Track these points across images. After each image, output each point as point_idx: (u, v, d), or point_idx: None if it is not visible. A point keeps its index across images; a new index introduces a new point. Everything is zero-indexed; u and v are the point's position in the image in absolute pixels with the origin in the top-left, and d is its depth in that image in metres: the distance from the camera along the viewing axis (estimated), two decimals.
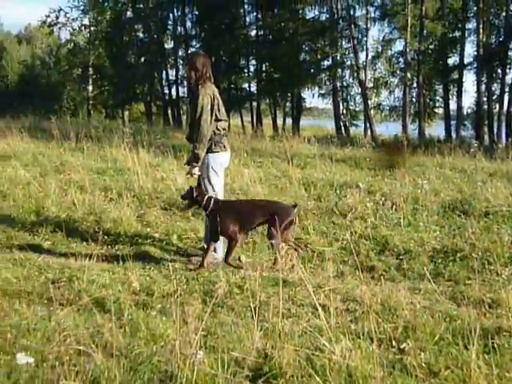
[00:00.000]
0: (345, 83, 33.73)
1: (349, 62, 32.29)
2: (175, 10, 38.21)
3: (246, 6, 35.26)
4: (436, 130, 29.65)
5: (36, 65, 54.75)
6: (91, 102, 43.83)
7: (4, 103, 41.36)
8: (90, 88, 43.18)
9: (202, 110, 5.96)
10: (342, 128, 31.67)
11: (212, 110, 6.02)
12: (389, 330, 4.07)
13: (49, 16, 41.19)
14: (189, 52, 36.09)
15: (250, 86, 35.87)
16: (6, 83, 54.69)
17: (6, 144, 13.09)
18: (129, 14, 40.36)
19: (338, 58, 31.45)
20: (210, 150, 6.09)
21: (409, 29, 27.47)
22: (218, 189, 6.24)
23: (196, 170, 6.12)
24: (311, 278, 5.18)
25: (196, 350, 3.43)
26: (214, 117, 6.05)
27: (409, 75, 29.73)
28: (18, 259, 5.81)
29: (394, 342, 3.96)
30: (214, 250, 6.14)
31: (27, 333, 4.04)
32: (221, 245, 6.19)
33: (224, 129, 6.28)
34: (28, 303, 4.67)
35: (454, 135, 27.47)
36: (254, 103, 35.25)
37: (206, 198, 5.93)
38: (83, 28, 42.55)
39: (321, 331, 3.89)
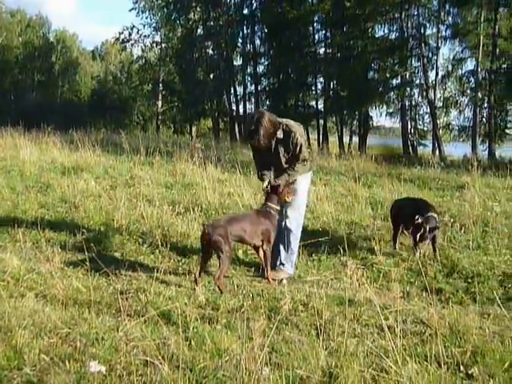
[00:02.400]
0: (413, 102, 33.29)
1: (418, 81, 31.90)
2: (245, 28, 38.71)
3: (314, 24, 35.32)
4: (507, 151, 28.82)
5: (108, 80, 56.36)
6: (160, 117, 44.72)
7: (76, 117, 42.67)
8: (160, 103, 44.07)
9: (302, 146, 6.10)
10: (410, 147, 31.26)
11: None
12: (457, 355, 3.98)
13: (122, 33, 42.52)
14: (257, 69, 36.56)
15: (317, 104, 35.88)
16: (79, 97, 56.45)
17: (79, 157, 13.45)
18: (199, 31, 41.03)
19: (407, 76, 31.08)
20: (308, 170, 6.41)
21: (481, 48, 26.89)
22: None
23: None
24: (377, 298, 5.11)
25: (261, 366, 3.44)
26: None
27: (480, 95, 29.12)
28: (88, 269, 5.95)
29: (462, 367, 3.87)
30: (291, 265, 6.29)
31: (96, 342, 4.13)
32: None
33: None
34: (97, 313, 4.77)
35: None
36: (321, 121, 35.21)
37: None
38: (154, 45, 43.71)
39: (387, 352, 3.84)
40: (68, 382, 3.53)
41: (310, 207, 8.68)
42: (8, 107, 48.97)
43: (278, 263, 6.27)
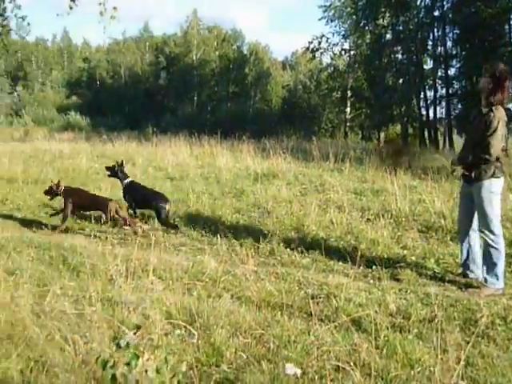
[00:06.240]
0: None
1: None
2: (435, 30, 37.59)
3: (511, 22, 33.36)
4: None
5: (298, 89, 57.50)
6: (348, 123, 44.72)
7: (268, 125, 44.07)
8: (348, 110, 44.09)
9: (494, 132, 5.73)
10: None
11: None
12: None
13: (311, 42, 43.15)
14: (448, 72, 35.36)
15: None
16: (270, 106, 58.25)
17: (270, 164, 13.86)
18: (388, 36, 40.51)
19: None
20: (492, 175, 5.81)
21: None
22: (497, 213, 5.89)
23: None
24: None
25: (457, 379, 3.31)
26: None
27: None
28: (280, 273, 6.12)
29: None
30: (497, 278, 5.82)
31: (288, 344, 4.22)
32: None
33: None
34: (289, 316, 4.88)
35: None
36: None
37: None
38: (343, 52, 43.77)
39: None
40: (263, 381, 3.65)
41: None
42: (205, 118, 51.77)
43: (481, 278, 5.97)
